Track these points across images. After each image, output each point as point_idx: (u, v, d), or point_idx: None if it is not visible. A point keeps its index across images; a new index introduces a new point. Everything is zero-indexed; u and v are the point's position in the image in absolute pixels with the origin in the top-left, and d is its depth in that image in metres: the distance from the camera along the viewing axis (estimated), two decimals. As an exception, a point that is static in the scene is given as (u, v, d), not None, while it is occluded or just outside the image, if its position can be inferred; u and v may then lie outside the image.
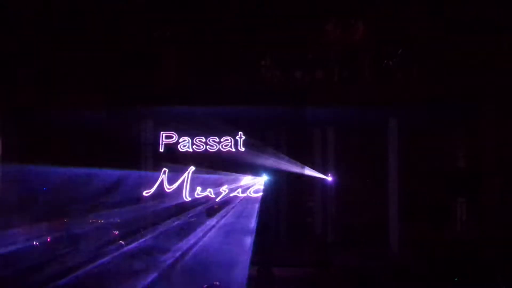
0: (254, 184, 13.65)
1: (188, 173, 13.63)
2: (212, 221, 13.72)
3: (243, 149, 13.60)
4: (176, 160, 13.87)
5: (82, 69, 13.25)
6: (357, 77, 13.08)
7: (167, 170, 13.75)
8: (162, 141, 14.05)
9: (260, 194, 13.54)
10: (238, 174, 13.68)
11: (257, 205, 13.52)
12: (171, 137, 14.06)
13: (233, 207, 13.72)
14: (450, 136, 13.11)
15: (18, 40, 13.38)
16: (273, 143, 13.61)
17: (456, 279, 11.92)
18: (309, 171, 13.46)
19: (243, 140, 13.55)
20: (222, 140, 13.77)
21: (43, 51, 13.36)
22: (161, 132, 14.08)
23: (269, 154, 13.49)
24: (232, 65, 13.29)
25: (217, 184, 13.66)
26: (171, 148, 13.93)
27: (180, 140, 14.00)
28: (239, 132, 13.68)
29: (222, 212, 13.82)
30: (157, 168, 13.77)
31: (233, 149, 13.66)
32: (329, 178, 13.54)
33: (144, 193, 13.70)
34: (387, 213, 13.19)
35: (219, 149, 13.71)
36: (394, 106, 12.76)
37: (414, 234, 12.80)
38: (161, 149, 14.03)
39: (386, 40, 12.95)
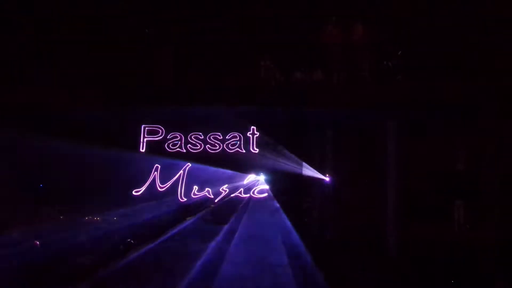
0: (257, 183, 12.70)
1: (184, 170, 12.56)
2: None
3: (256, 150, 12.39)
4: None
5: (80, 68, 12.76)
6: (356, 78, 13.05)
7: (159, 166, 12.61)
8: (144, 137, 12.59)
9: (265, 194, 12.59)
10: (239, 173, 12.59)
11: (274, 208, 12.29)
12: (156, 132, 12.65)
13: (242, 212, 12.49)
14: (449, 137, 13.07)
15: (17, 40, 12.97)
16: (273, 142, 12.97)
17: (452, 282, 11.86)
18: (308, 171, 13.05)
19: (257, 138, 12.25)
20: (228, 137, 12.54)
21: (42, 50, 12.90)
22: (143, 126, 12.56)
23: (274, 153, 12.69)
24: (232, 65, 12.91)
25: (215, 183, 12.49)
26: (156, 148, 12.53)
27: (169, 136, 12.64)
28: (252, 127, 12.40)
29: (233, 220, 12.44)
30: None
31: (243, 150, 12.40)
32: (327, 179, 13.19)
33: (133, 192, 12.56)
34: (386, 214, 13.04)
35: (223, 149, 12.42)
36: (393, 107, 12.70)
37: (413, 236, 12.68)
38: (142, 149, 12.55)
39: (386, 41, 13.00)
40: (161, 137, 12.71)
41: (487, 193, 12.36)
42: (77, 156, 12.22)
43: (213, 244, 12.00)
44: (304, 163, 12.93)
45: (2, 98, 12.45)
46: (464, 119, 12.66)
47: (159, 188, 12.70)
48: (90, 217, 12.57)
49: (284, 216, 12.42)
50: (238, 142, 12.60)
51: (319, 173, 13.08)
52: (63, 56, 12.91)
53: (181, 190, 12.66)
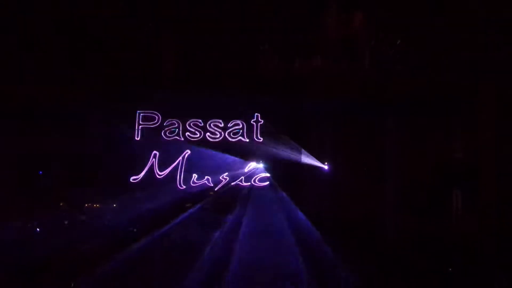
0: (257, 171, 12.51)
1: (183, 157, 12.35)
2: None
3: (260, 139, 12.10)
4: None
5: (79, 60, 12.50)
6: (356, 69, 13.03)
7: (157, 153, 12.34)
8: (139, 124, 12.24)
9: (266, 183, 12.41)
10: (240, 161, 12.39)
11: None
12: (152, 118, 12.31)
13: (243, 201, 12.29)
14: (449, 129, 13.13)
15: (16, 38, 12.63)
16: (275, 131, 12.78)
17: (450, 270, 12.05)
18: (309, 160, 12.96)
19: (261, 126, 11.89)
20: (230, 125, 12.19)
21: (41, 47, 12.57)
22: (138, 112, 12.20)
23: (276, 142, 12.48)
24: (231, 54, 12.74)
25: (215, 171, 12.30)
26: (153, 135, 12.22)
27: (166, 123, 12.33)
28: (256, 114, 12.08)
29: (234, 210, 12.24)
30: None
31: (246, 139, 12.09)
32: (325, 167, 13.08)
33: (131, 179, 12.33)
34: (384, 205, 13.08)
35: (224, 138, 12.10)
36: (393, 98, 12.71)
37: (411, 227, 12.77)
38: (137, 136, 12.22)
39: (386, 32, 12.99)
40: (157, 124, 12.39)
41: (486, 188, 12.48)
42: (75, 143, 12.05)
43: (217, 233, 11.98)
44: (304, 152, 12.83)
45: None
46: (463, 112, 12.75)
47: (157, 176, 12.49)
48: (90, 204, 12.37)
49: (287, 205, 12.37)
50: (241, 131, 12.33)
51: (320, 163, 12.96)
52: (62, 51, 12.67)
53: (180, 177, 12.47)
